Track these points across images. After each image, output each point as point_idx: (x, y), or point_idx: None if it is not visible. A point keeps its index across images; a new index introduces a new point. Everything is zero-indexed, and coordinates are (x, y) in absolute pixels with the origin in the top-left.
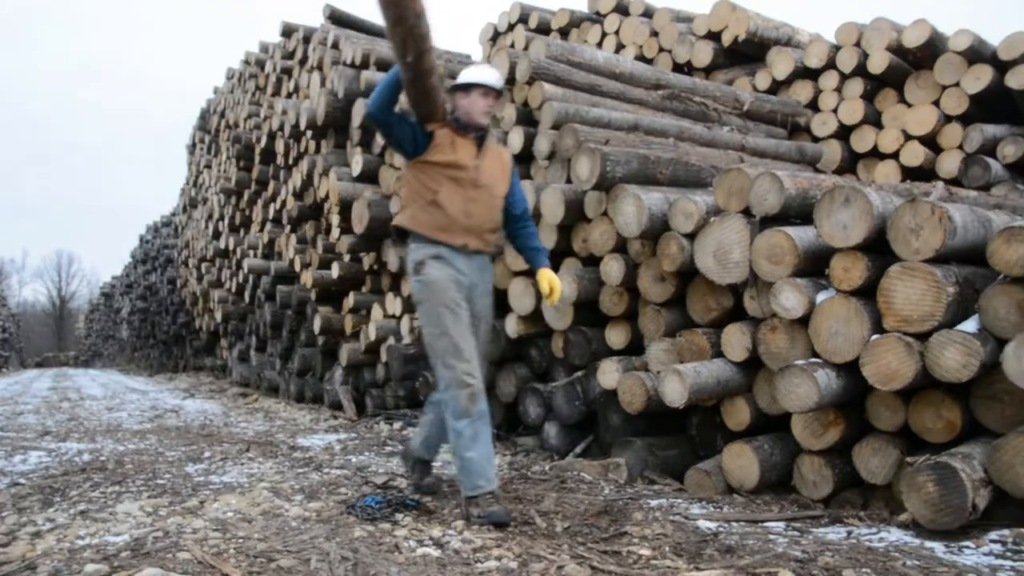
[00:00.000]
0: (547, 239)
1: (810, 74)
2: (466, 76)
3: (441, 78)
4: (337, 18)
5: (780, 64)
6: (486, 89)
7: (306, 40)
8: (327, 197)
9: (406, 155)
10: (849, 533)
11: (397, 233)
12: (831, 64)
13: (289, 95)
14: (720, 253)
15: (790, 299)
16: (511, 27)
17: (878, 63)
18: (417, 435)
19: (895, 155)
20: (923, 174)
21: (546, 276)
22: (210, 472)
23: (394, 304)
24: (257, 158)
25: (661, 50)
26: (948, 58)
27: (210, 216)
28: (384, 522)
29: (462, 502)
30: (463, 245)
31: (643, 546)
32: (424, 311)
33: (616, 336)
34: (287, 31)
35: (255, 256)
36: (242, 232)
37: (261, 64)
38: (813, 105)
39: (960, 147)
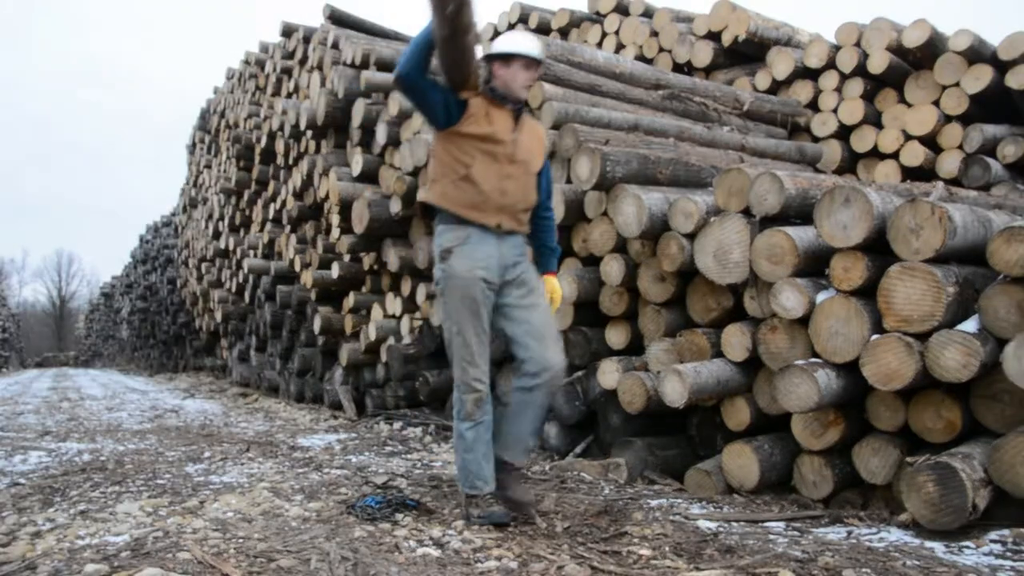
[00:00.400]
0: None
1: (810, 74)
2: (506, 45)
3: (477, 37)
4: (337, 18)
5: (780, 64)
6: (528, 61)
7: (306, 40)
8: (327, 197)
9: (437, 125)
10: (849, 533)
11: (424, 210)
12: (831, 64)
13: (289, 95)
14: (720, 253)
15: (790, 299)
16: (511, 27)
17: (878, 63)
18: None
19: (895, 155)
20: (923, 174)
21: (550, 284)
22: (210, 472)
23: (394, 304)
24: (257, 158)
25: (661, 50)
26: (948, 58)
27: (210, 216)
28: (384, 522)
29: (462, 502)
30: (496, 225)
31: (643, 546)
32: (444, 302)
33: (616, 336)
34: (287, 31)
35: (255, 256)
36: (242, 232)
37: (261, 64)
38: (813, 105)
39: (960, 147)
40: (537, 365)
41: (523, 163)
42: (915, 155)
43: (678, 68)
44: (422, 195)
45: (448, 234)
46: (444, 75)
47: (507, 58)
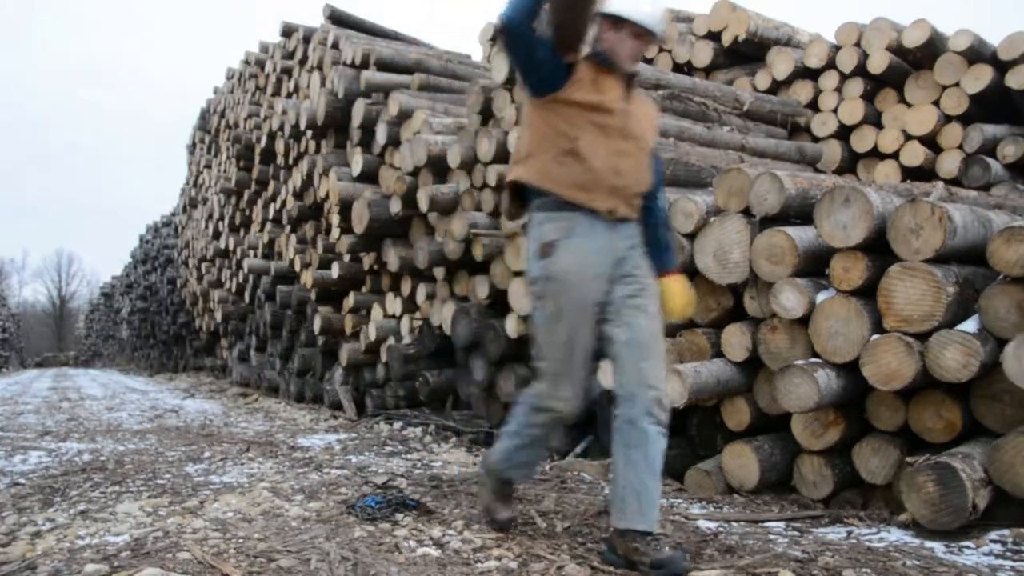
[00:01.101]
0: None
1: (810, 74)
2: (620, 5)
3: None
4: (337, 18)
5: (780, 64)
6: (640, 30)
7: (306, 40)
8: (327, 197)
9: (538, 89)
10: (849, 533)
11: (513, 192)
12: (831, 64)
13: (289, 95)
14: (720, 253)
15: (790, 299)
16: None
17: (878, 63)
18: (611, 499)
19: (895, 155)
20: (923, 174)
21: (666, 288)
22: (210, 472)
23: (394, 304)
24: (257, 158)
25: (661, 50)
26: (948, 58)
27: (210, 216)
28: (384, 522)
29: (488, 486)
30: (608, 210)
31: None
32: (541, 306)
33: None
34: (287, 31)
35: (255, 256)
36: (242, 232)
37: (261, 64)
38: (813, 105)
39: (960, 147)
40: (631, 386)
41: (637, 139)
42: (915, 155)
43: (678, 68)
44: (514, 172)
45: (549, 224)
46: (553, 31)
47: (618, 21)
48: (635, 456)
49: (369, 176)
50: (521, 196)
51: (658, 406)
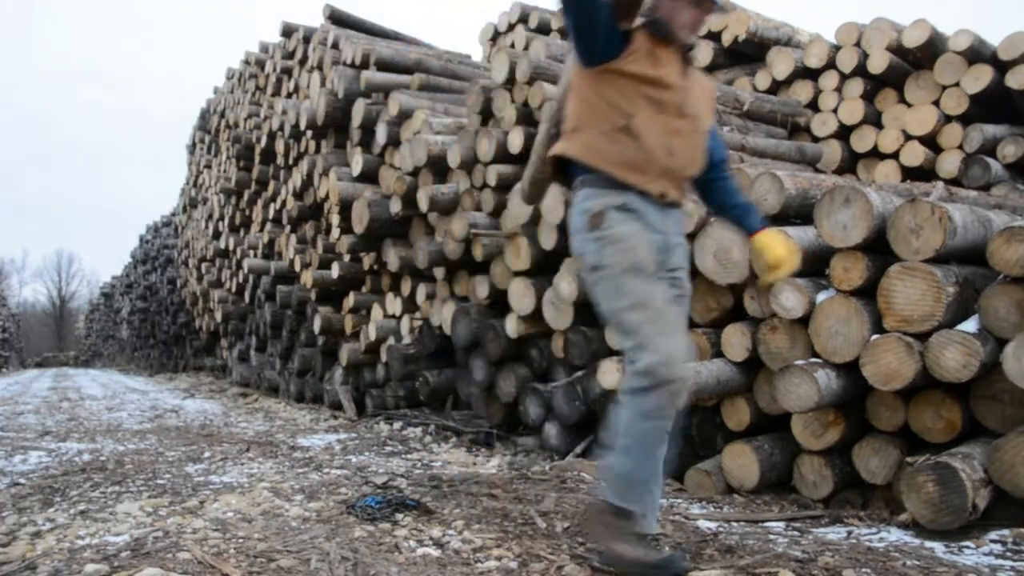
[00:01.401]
0: (547, 239)
1: (810, 74)
2: None
3: None
4: (337, 18)
5: (780, 64)
6: None
7: (306, 40)
8: (327, 197)
9: (592, 56)
10: (849, 533)
11: (556, 167)
12: (831, 64)
13: (289, 95)
14: (720, 253)
15: (790, 299)
16: (511, 27)
17: (878, 63)
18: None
19: (895, 155)
20: (923, 174)
21: (773, 240)
22: (210, 472)
23: (394, 304)
24: (257, 158)
25: None
26: (948, 58)
27: (210, 216)
28: (384, 522)
29: (601, 518)
30: (660, 193)
31: None
32: (604, 279)
33: None
34: (287, 31)
35: (255, 256)
36: (242, 232)
37: (261, 64)
38: (813, 105)
39: (960, 147)
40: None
41: (693, 118)
42: (915, 155)
43: None
44: (559, 147)
45: (599, 196)
46: None
47: None
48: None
49: (369, 176)
50: (564, 173)
51: (677, 389)
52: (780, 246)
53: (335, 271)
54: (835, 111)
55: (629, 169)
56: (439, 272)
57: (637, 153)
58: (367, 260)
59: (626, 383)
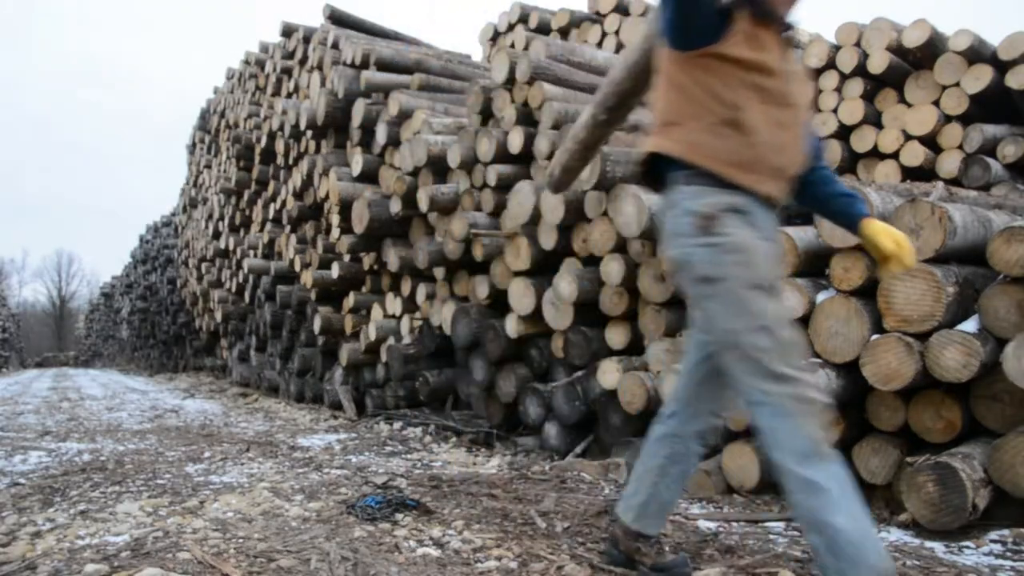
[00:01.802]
0: (547, 239)
1: (810, 74)
2: None
3: None
4: (337, 18)
5: None
6: None
7: (306, 40)
8: (327, 197)
9: (694, 36)
10: None
11: (647, 167)
12: (831, 64)
13: (289, 95)
14: None
15: (790, 299)
16: (511, 27)
17: (878, 63)
18: (628, 495)
19: (895, 155)
20: (923, 174)
21: (881, 229)
22: (210, 472)
23: (394, 304)
24: (257, 158)
25: None
26: (948, 58)
27: (210, 216)
28: (384, 522)
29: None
30: (769, 195)
31: None
32: (720, 294)
33: (616, 336)
34: (287, 31)
35: (255, 256)
36: (242, 232)
37: (261, 64)
38: (813, 105)
39: (960, 147)
40: (703, 405)
41: (795, 108)
42: (915, 155)
43: None
44: (652, 143)
45: (705, 196)
46: None
47: None
48: (674, 471)
49: (369, 176)
50: (655, 172)
51: (713, 433)
52: (887, 236)
53: (335, 271)
54: (835, 111)
55: (738, 168)
56: (439, 272)
57: (747, 150)
58: (367, 260)
59: (761, 428)
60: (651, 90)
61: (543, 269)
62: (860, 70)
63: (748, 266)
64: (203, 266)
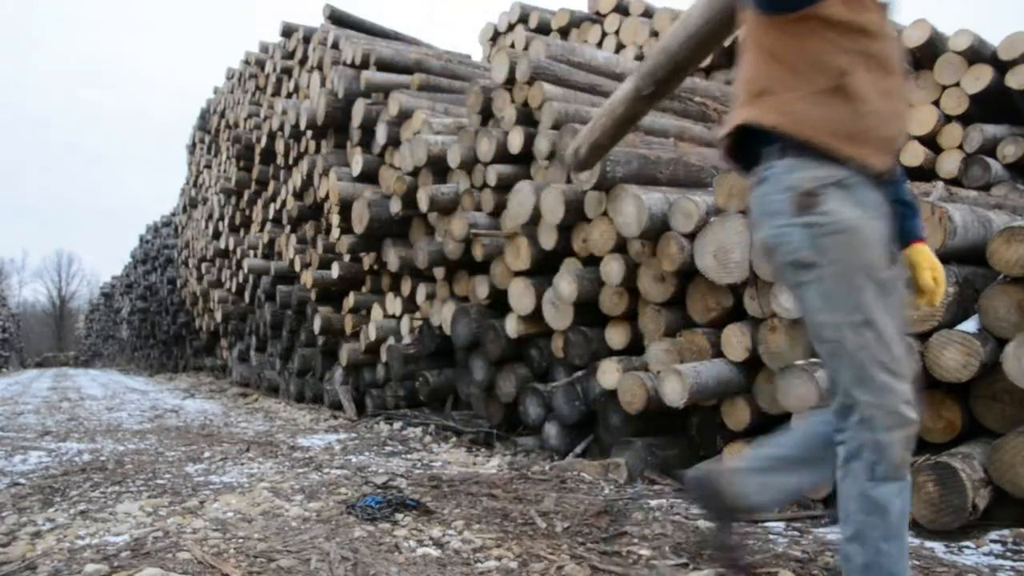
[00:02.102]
0: (547, 239)
1: None
2: None
3: None
4: (337, 18)
5: None
6: None
7: (306, 40)
8: (327, 197)
9: (789, 0)
10: None
11: (736, 140)
12: None
13: (289, 95)
14: (720, 253)
15: (790, 299)
16: (511, 27)
17: None
18: (755, 474)
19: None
20: (923, 174)
21: (927, 261)
22: (210, 472)
23: (394, 304)
24: (257, 158)
25: None
26: (948, 58)
27: (210, 216)
28: (384, 522)
29: None
30: (880, 169)
31: (643, 546)
32: (821, 280)
33: (616, 336)
34: (287, 31)
35: (255, 256)
36: (242, 232)
37: (261, 64)
38: None
39: (960, 147)
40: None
41: (898, 75)
42: (915, 155)
43: None
44: (743, 114)
45: (804, 171)
46: None
47: None
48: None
49: (369, 176)
50: (745, 145)
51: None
52: (930, 272)
53: (335, 271)
54: None
55: (845, 140)
56: (439, 272)
57: (855, 121)
58: (367, 260)
59: (845, 437)
60: (737, 60)
61: (543, 269)
62: None
63: (854, 249)
64: (203, 266)
